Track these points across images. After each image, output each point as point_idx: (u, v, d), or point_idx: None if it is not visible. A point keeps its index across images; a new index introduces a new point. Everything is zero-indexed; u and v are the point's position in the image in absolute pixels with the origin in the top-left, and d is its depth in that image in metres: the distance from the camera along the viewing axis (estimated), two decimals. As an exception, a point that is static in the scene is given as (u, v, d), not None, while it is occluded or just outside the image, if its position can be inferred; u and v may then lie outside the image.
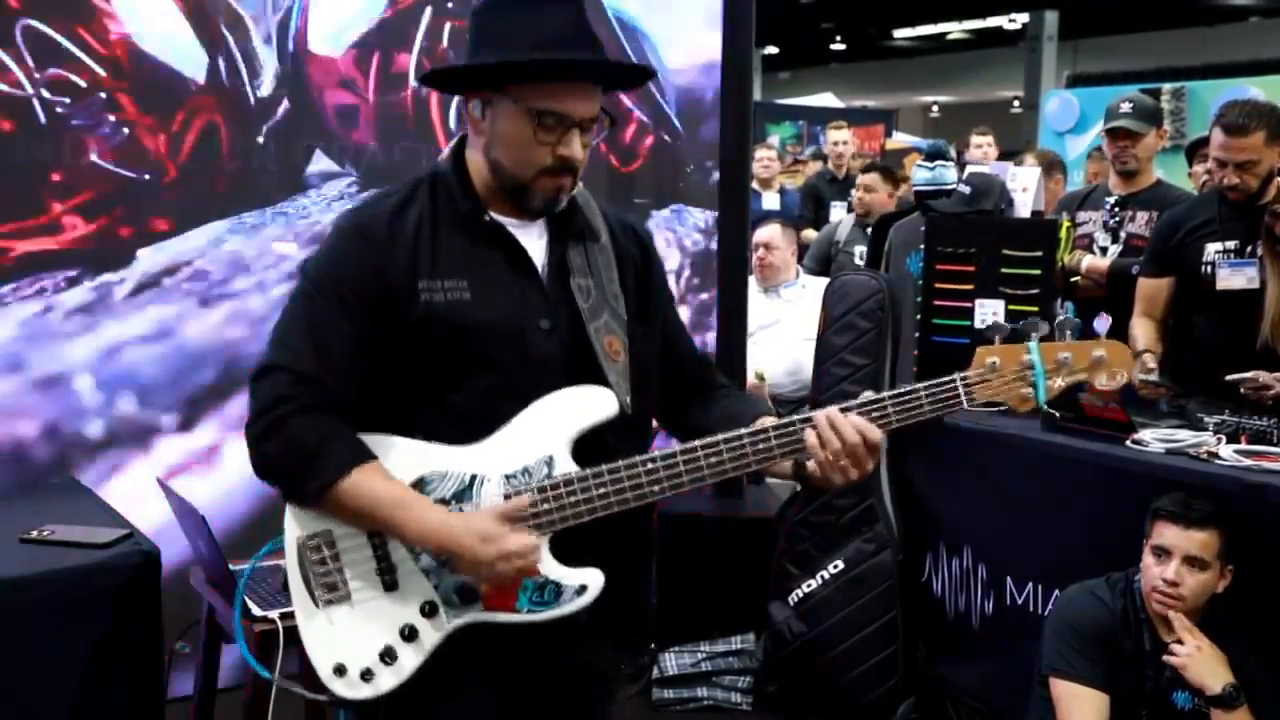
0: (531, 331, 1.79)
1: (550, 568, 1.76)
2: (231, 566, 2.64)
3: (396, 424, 1.78)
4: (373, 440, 1.77)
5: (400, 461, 1.76)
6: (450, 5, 3.68)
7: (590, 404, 1.78)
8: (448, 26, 3.67)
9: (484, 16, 1.81)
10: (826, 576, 3.75)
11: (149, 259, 3.32)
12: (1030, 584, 3.24)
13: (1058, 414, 1.76)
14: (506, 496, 1.75)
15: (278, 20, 3.44)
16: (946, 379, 1.83)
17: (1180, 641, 2.58)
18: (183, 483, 3.31)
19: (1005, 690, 3.26)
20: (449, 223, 1.80)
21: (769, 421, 1.84)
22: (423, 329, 1.74)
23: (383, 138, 3.61)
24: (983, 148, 7.40)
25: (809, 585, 3.77)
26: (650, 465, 1.75)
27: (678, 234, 4.29)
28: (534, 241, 1.84)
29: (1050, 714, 2.71)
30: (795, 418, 1.81)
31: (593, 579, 1.77)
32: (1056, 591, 3.03)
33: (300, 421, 1.71)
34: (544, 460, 1.76)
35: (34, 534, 2.49)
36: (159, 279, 3.34)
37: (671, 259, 4.33)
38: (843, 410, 1.80)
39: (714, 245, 4.35)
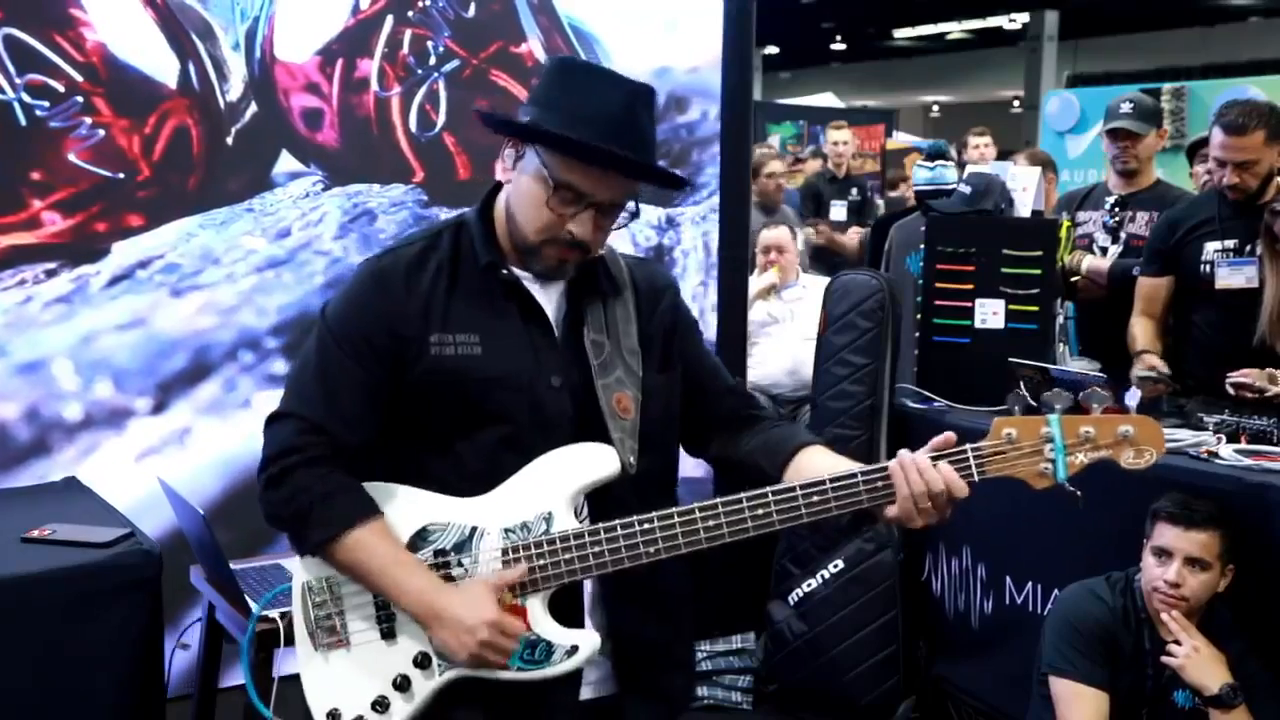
0: (541, 387, 1.78)
1: (544, 626, 1.74)
2: (232, 566, 2.65)
3: (403, 473, 1.79)
4: (379, 488, 1.78)
5: (404, 510, 1.77)
6: (410, 14, 3.79)
7: (590, 462, 1.77)
8: (408, 34, 3.78)
9: (550, 74, 1.80)
10: (827, 576, 3.75)
11: (123, 252, 3.44)
12: (1030, 584, 3.24)
13: (1079, 494, 1.66)
14: (504, 550, 1.74)
15: (246, 29, 3.58)
16: (958, 450, 1.74)
17: (1178, 642, 2.58)
18: (156, 462, 3.44)
19: (1005, 690, 3.27)
20: (467, 274, 1.79)
21: (818, 464, 1.80)
22: (431, 381, 1.75)
23: (346, 139, 3.73)
24: (980, 148, 7.40)
25: (809, 585, 3.77)
26: (646, 526, 1.73)
27: (629, 229, 4.40)
28: (551, 296, 1.82)
29: (1050, 713, 2.72)
30: (798, 488, 1.74)
31: (585, 640, 1.75)
32: (1056, 591, 3.03)
33: (307, 473, 1.73)
34: (543, 516, 1.75)
35: (35, 533, 2.49)
36: (133, 271, 3.46)
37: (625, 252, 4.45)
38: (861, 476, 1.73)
39: (665, 240, 4.40)
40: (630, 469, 1.77)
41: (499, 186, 1.84)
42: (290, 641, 2.31)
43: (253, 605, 2.55)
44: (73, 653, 2.35)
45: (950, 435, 1.75)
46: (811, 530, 3.71)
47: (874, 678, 3.69)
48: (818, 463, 1.83)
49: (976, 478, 1.74)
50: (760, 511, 1.73)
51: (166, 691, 2.61)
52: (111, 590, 2.39)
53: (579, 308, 1.83)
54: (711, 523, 1.73)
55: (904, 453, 1.73)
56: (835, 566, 3.75)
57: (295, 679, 1.87)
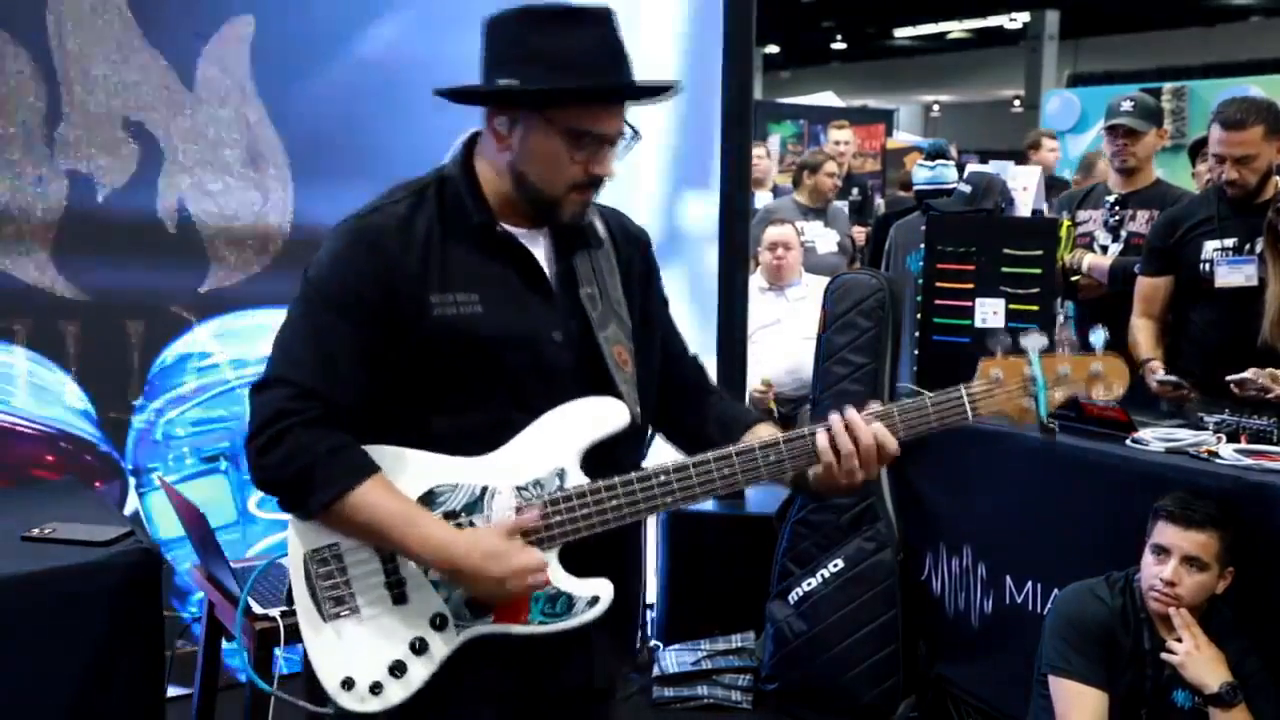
0: (544, 343, 1.77)
1: (562, 579, 1.75)
2: (233, 565, 2.65)
3: (406, 435, 1.75)
4: (382, 452, 1.73)
5: (410, 473, 1.74)
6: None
7: (603, 415, 1.77)
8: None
9: (506, 30, 1.74)
10: (827, 575, 3.76)
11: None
12: (1030, 583, 3.24)
13: (1056, 426, 1.80)
14: (517, 508, 1.73)
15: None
16: (952, 391, 1.83)
17: (1179, 639, 2.58)
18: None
19: (1005, 689, 3.27)
20: (459, 233, 1.76)
21: (774, 432, 1.85)
22: (435, 343, 1.72)
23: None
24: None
25: (809, 584, 3.77)
26: (663, 478, 1.75)
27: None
28: (540, 251, 1.81)
29: (1050, 713, 2.72)
30: (805, 430, 1.82)
31: (604, 590, 1.76)
32: (1056, 590, 3.03)
33: (304, 435, 1.67)
34: (556, 472, 1.75)
35: (35, 532, 2.50)
36: None
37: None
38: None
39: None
40: (638, 420, 1.80)
41: (473, 140, 1.82)
42: (291, 641, 2.32)
43: (254, 604, 2.56)
44: (73, 652, 2.35)
45: (876, 404, 1.86)
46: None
47: (874, 677, 3.69)
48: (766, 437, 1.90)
49: (971, 418, 1.84)
50: (772, 457, 1.79)
51: (166, 691, 2.61)
52: (111, 589, 2.40)
53: (568, 261, 1.82)
54: (726, 470, 1.78)
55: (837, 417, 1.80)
56: (835, 566, 3.75)
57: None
